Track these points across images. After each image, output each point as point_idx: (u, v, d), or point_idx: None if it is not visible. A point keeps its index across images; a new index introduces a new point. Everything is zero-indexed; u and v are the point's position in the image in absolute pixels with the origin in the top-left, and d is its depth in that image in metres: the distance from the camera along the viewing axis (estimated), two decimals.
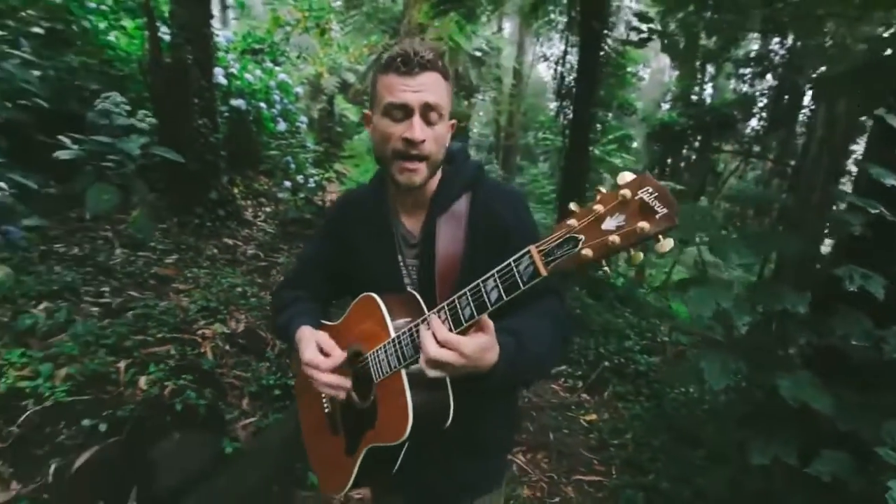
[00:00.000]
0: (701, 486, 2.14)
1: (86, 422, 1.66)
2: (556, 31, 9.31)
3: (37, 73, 3.09)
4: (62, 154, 2.16)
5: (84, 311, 2.30)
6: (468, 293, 0.76)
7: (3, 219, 2.50)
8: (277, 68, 7.27)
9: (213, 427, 1.93)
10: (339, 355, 0.96)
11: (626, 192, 0.60)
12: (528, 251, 0.68)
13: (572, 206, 0.66)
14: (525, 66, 13.95)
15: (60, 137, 2.29)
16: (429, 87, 0.89)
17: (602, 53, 6.14)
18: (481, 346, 0.77)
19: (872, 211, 1.40)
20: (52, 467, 1.52)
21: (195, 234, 4.04)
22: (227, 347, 2.42)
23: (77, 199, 3.54)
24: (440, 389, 0.91)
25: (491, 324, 0.78)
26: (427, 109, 0.90)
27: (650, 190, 0.59)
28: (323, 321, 1.12)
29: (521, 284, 0.69)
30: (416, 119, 0.89)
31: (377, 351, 0.94)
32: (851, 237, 1.60)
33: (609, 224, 0.62)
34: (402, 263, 1.04)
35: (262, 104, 6.11)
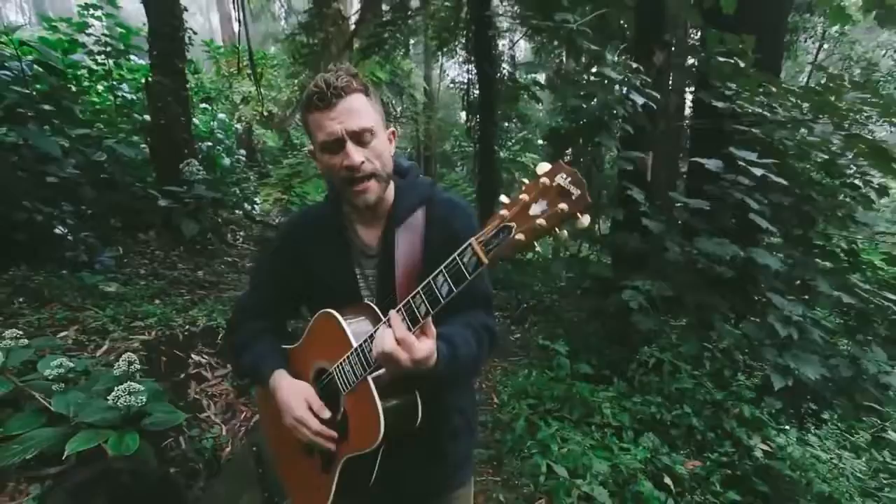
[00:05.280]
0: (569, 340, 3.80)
1: None
2: (457, 62, 11.12)
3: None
4: (162, 202, 3.32)
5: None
6: (421, 291, 0.83)
7: (97, 253, 3.59)
8: (215, 108, 8.21)
9: None
10: (327, 415, 1.01)
11: (546, 181, 0.70)
12: (469, 244, 0.76)
13: (503, 198, 0.75)
14: (433, 81, 15.65)
15: (150, 191, 3.43)
16: (351, 113, 0.93)
17: (497, 77, 7.92)
18: (430, 349, 0.84)
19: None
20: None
21: (202, 256, 5.10)
22: None
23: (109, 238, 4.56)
24: (407, 392, 0.95)
25: (434, 330, 0.86)
26: (355, 134, 0.94)
27: (564, 175, 0.69)
28: (285, 346, 1.17)
29: (467, 275, 0.76)
30: (350, 146, 0.94)
31: (342, 363, 0.97)
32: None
33: (535, 210, 0.71)
34: (359, 275, 1.08)
35: (209, 143, 6.96)
